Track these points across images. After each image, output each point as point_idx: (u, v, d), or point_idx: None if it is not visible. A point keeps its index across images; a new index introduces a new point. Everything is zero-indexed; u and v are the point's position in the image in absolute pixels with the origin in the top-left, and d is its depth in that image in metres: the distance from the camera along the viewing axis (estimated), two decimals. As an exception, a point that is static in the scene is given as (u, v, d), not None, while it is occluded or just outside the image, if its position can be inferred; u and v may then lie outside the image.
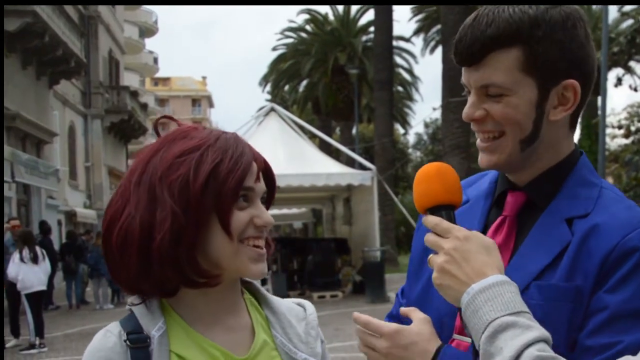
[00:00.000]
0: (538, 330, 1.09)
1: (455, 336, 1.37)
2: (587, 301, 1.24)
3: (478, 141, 1.37)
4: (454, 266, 1.17)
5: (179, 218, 1.20)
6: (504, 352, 1.07)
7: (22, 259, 11.01)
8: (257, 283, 1.41)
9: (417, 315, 1.34)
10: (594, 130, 24.53)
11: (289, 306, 1.42)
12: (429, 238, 1.23)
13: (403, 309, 1.38)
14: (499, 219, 1.38)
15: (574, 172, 1.36)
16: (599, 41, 16.57)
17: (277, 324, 1.35)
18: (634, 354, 1.14)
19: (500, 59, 1.28)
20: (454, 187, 1.27)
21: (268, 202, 1.34)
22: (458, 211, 1.37)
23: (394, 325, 1.31)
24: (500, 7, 1.29)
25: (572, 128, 1.39)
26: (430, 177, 1.26)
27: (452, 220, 1.25)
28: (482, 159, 1.36)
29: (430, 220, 1.24)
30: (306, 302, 1.45)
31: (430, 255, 1.23)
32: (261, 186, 1.29)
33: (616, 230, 1.25)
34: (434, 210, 1.25)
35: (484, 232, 1.38)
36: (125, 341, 1.21)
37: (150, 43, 61.84)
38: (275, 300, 1.40)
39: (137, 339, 1.22)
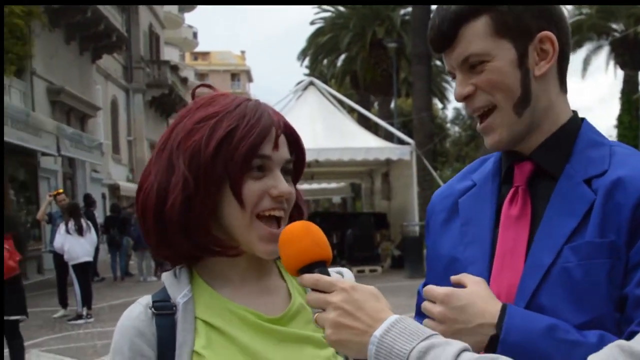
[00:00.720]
0: (457, 343, 1.05)
1: None
2: (625, 255, 1.24)
3: (477, 125, 1.38)
4: (349, 318, 1.10)
5: (189, 184, 1.18)
6: None
7: (67, 231, 11.21)
8: None
9: (469, 278, 1.30)
10: (635, 105, 24.08)
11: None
12: (311, 297, 1.13)
13: (454, 277, 1.32)
14: (511, 191, 1.38)
15: (580, 136, 1.37)
16: (639, 15, 16.07)
17: None
18: None
19: (471, 30, 1.32)
20: (323, 242, 1.18)
21: (297, 173, 1.30)
22: (467, 196, 1.45)
23: (447, 288, 1.27)
24: None
25: (563, 87, 1.40)
26: (298, 236, 1.16)
27: (327, 275, 1.16)
28: (487, 141, 1.37)
29: (308, 278, 1.13)
30: (345, 270, 1.42)
31: (316, 315, 1.13)
32: (280, 154, 1.23)
33: (637, 183, 1.26)
34: (307, 269, 1.15)
35: (499, 209, 1.39)
36: (150, 308, 1.21)
37: (189, 18, 62.18)
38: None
39: (163, 307, 1.22)
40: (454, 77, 1.38)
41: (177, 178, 1.19)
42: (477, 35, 1.32)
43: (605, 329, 1.22)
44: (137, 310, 1.22)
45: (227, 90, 1.35)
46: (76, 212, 11.57)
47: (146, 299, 1.25)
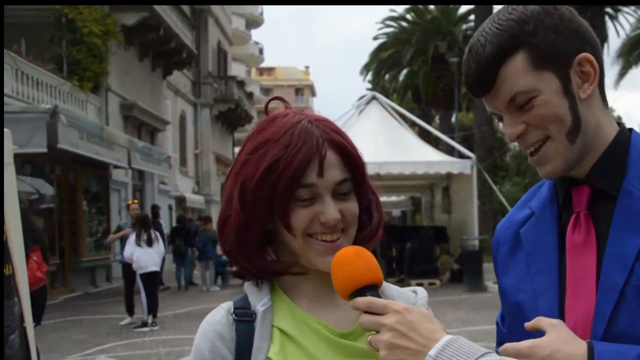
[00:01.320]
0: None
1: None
2: None
3: (529, 158, 1.35)
4: (403, 339, 1.11)
5: (240, 215, 1.24)
6: None
7: (137, 242, 11.46)
8: None
9: (546, 322, 1.25)
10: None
11: (401, 291, 1.38)
12: (365, 319, 1.14)
13: (528, 324, 1.28)
14: (572, 217, 1.34)
15: (632, 148, 1.34)
16: None
17: None
18: None
19: (511, 69, 1.29)
20: (375, 265, 1.20)
21: (357, 187, 1.28)
22: (530, 222, 1.42)
23: (528, 341, 1.22)
24: (485, 26, 1.32)
25: (605, 102, 1.37)
26: (352, 260, 1.18)
27: (379, 297, 1.17)
28: (542, 171, 1.34)
29: (361, 301, 1.15)
30: (419, 289, 1.41)
31: (369, 337, 1.15)
32: (328, 179, 1.21)
33: None
34: (359, 293, 1.17)
35: (561, 235, 1.36)
36: (231, 314, 1.26)
37: (256, 34, 63.13)
38: (386, 285, 1.33)
39: (243, 313, 1.26)
40: (500, 119, 1.35)
41: (232, 210, 1.26)
42: (518, 73, 1.28)
43: None
44: (219, 314, 1.27)
45: (291, 105, 1.35)
46: (146, 223, 11.84)
47: (228, 305, 1.29)
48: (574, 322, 1.28)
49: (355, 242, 1.27)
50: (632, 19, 31.27)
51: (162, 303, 12.73)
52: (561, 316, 1.31)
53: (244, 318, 1.25)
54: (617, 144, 1.34)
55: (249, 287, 1.31)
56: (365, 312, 1.15)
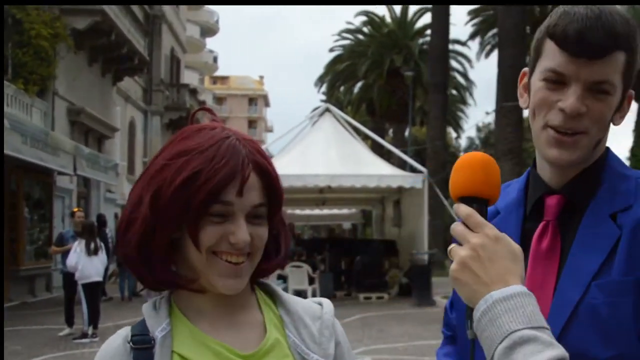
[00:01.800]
0: (559, 349, 1.04)
1: None
2: None
3: (554, 134, 1.34)
4: (477, 264, 1.11)
5: (148, 222, 1.19)
6: None
7: (84, 250, 11.25)
8: (272, 282, 1.37)
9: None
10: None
11: (306, 305, 1.35)
12: (457, 228, 1.15)
13: None
14: (541, 225, 1.36)
15: (607, 168, 1.38)
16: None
17: (290, 324, 1.29)
18: None
19: (617, 59, 1.31)
20: (495, 182, 1.20)
21: (272, 215, 1.25)
22: (493, 222, 1.41)
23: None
24: (605, 11, 1.32)
25: None
26: (475, 166, 1.19)
27: (483, 215, 1.17)
28: (556, 153, 1.34)
29: (463, 210, 1.16)
30: (324, 300, 1.37)
31: (453, 246, 1.16)
32: (245, 201, 1.18)
33: None
34: (467, 200, 1.18)
35: (523, 241, 1.36)
36: (129, 342, 1.21)
37: (210, 42, 62.81)
38: (291, 299, 1.33)
39: (141, 340, 1.21)
40: (554, 81, 1.34)
41: (140, 214, 1.20)
42: (617, 66, 1.32)
43: None
44: (116, 343, 1.23)
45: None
46: (92, 232, 11.65)
47: (125, 331, 1.25)
48: None
49: (258, 272, 1.26)
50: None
51: (103, 314, 12.51)
52: None
53: (141, 346, 1.20)
54: (598, 163, 1.39)
55: (147, 310, 1.26)
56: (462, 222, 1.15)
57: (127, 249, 1.22)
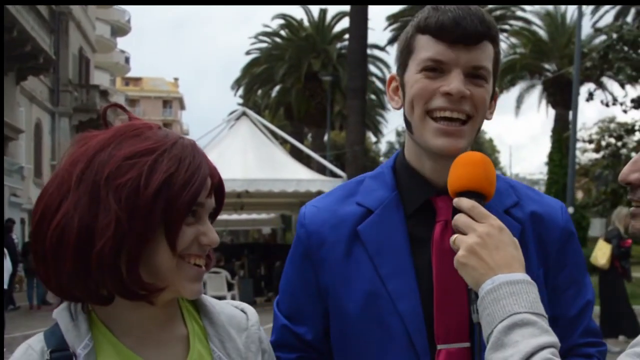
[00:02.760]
0: (553, 337, 1.12)
1: (441, 346, 1.38)
2: (545, 282, 1.43)
3: (439, 125, 1.38)
4: (485, 250, 1.18)
5: (123, 225, 1.10)
6: (519, 346, 1.09)
7: None
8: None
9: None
10: (565, 144, 24.77)
11: (230, 314, 1.32)
12: (461, 219, 1.22)
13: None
14: (439, 224, 1.41)
15: None
16: (572, 56, 16.66)
17: (215, 337, 1.27)
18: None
19: (489, 48, 1.40)
20: (493, 179, 1.28)
21: (213, 217, 1.27)
22: (369, 221, 1.46)
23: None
24: (473, 6, 1.40)
25: None
26: (476, 163, 1.27)
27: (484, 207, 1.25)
28: (444, 142, 1.38)
29: (466, 202, 1.23)
30: (248, 309, 1.36)
31: (457, 235, 1.22)
32: (211, 202, 1.22)
33: (555, 218, 1.48)
34: (467, 195, 1.25)
35: (411, 240, 1.43)
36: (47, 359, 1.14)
37: (122, 42, 61.27)
38: (215, 308, 1.31)
39: (61, 357, 1.14)
40: (433, 69, 1.38)
41: (109, 218, 1.11)
42: (489, 54, 1.41)
43: None
44: (31, 358, 1.15)
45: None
46: None
47: (39, 344, 1.17)
48: (445, 326, 1.37)
49: None
50: (504, 45, 32.93)
51: (11, 323, 12.10)
52: (427, 319, 1.38)
53: None
54: None
55: (63, 321, 1.17)
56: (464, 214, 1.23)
57: (91, 259, 1.11)
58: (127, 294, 1.15)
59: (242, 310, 1.35)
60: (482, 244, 1.18)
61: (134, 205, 1.11)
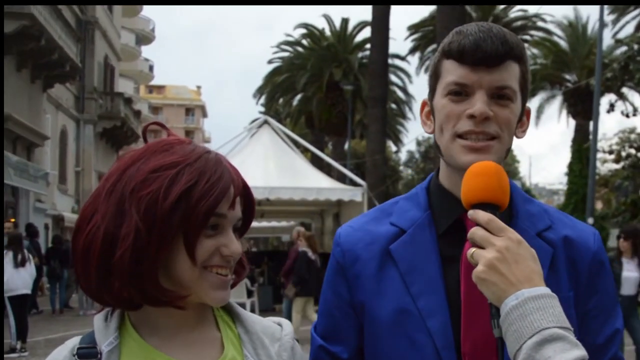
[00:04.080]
0: (583, 350, 1.11)
1: None
2: (575, 307, 1.42)
3: (467, 142, 1.39)
4: (504, 265, 1.16)
5: (141, 236, 1.14)
6: None
7: (13, 263, 10.88)
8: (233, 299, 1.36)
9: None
10: (585, 154, 24.63)
11: (265, 325, 1.35)
12: (478, 232, 1.21)
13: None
14: (468, 243, 1.36)
15: (514, 191, 1.47)
16: (593, 67, 16.64)
17: (249, 343, 1.30)
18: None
19: (513, 67, 1.41)
20: (507, 189, 1.27)
21: (243, 229, 1.29)
22: (401, 240, 1.48)
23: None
24: (494, 26, 1.42)
25: None
26: (490, 173, 1.26)
27: (500, 220, 1.23)
28: (474, 158, 1.37)
29: (483, 215, 1.22)
30: (285, 321, 1.38)
31: (475, 249, 1.21)
32: (235, 214, 1.23)
33: (588, 243, 1.48)
34: (481, 207, 1.24)
35: (443, 260, 1.44)
36: (74, 355, 1.20)
37: (146, 50, 61.91)
38: (250, 318, 1.34)
39: (87, 354, 1.19)
40: (457, 93, 1.41)
41: (129, 228, 1.15)
42: (514, 74, 1.41)
43: None
44: (62, 354, 1.21)
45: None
46: (19, 243, 11.29)
47: (73, 342, 1.23)
48: (472, 342, 1.37)
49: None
50: (528, 53, 32.73)
51: (33, 327, 12.15)
52: (455, 336, 1.38)
53: (86, 359, 1.19)
54: None
55: (97, 322, 1.24)
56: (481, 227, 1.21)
57: (112, 266, 1.16)
58: (149, 301, 1.19)
59: (278, 324, 1.38)
60: (501, 258, 1.17)
61: (153, 216, 1.15)
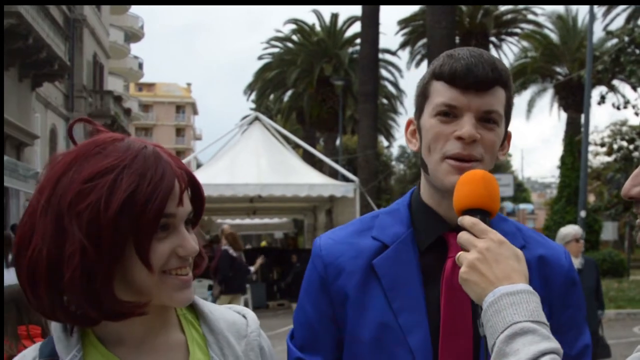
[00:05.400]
0: (555, 343, 1.14)
1: None
2: (555, 320, 1.46)
3: (452, 162, 1.44)
4: (485, 265, 1.21)
5: (89, 253, 1.07)
6: (520, 353, 1.11)
7: (6, 263, 10.82)
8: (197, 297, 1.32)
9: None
10: (577, 147, 24.70)
11: (230, 320, 1.31)
12: (463, 236, 1.26)
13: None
14: (450, 260, 1.45)
15: None
16: (584, 59, 16.64)
17: (214, 344, 1.26)
18: None
19: (500, 93, 1.47)
20: (495, 195, 1.32)
21: (195, 220, 1.24)
22: (384, 256, 1.51)
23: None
24: (484, 52, 1.48)
25: None
26: (477, 181, 1.31)
27: (487, 224, 1.29)
28: (457, 179, 1.40)
29: (468, 220, 1.27)
30: (249, 314, 1.35)
31: (461, 253, 1.26)
32: (185, 209, 1.17)
33: (560, 261, 1.55)
34: (471, 212, 1.29)
35: (424, 275, 1.48)
36: None
37: (135, 48, 61.60)
38: (214, 314, 1.29)
39: None
40: (446, 114, 1.45)
41: (74, 246, 1.08)
42: (500, 100, 1.47)
43: None
44: None
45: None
46: (9, 243, 11.15)
47: (34, 352, 1.17)
48: (451, 358, 1.41)
49: None
50: (515, 49, 32.78)
51: None
52: (435, 352, 1.42)
53: None
54: None
55: (56, 332, 1.17)
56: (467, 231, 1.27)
57: (63, 289, 1.10)
58: (108, 317, 1.14)
59: (243, 316, 1.34)
60: (481, 259, 1.22)
61: (97, 231, 1.08)
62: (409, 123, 1.59)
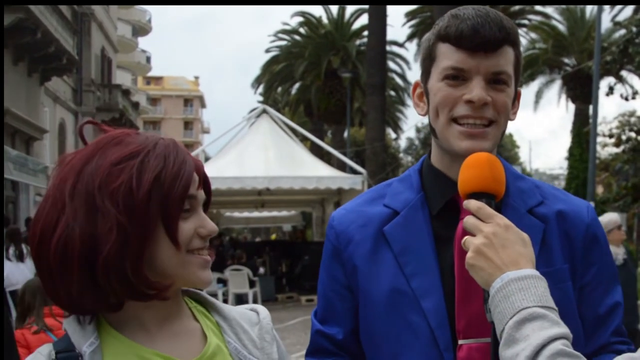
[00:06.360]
0: (564, 328, 1.13)
1: (462, 341, 1.40)
2: (573, 279, 1.45)
3: (463, 128, 1.41)
4: (491, 250, 1.19)
5: (125, 228, 1.12)
6: (530, 339, 1.11)
7: (8, 257, 10.90)
8: (203, 291, 1.35)
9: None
10: (585, 138, 24.62)
11: (241, 312, 1.35)
12: (469, 220, 1.25)
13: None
14: (462, 223, 1.39)
15: (505, 169, 1.44)
16: (592, 50, 16.58)
17: (229, 330, 1.29)
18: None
19: (509, 52, 1.42)
20: (500, 178, 1.30)
21: (206, 209, 1.28)
22: (395, 222, 1.49)
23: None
24: (490, 10, 1.41)
25: None
26: (482, 164, 1.29)
27: (492, 208, 1.27)
28: (471, 145, 1.40)
29: (473, 204, 1.25)
30: (259, 307, 1.39)
31: (467, 237, 1.25)
32: (202, 194, 1.24)
33: (581, 216, 1.50)
34: (476, 196, 1.27)
35: (435, 240, 1.46)
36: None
37: (143, 42, 61.69)
38: (225, 306, 1.34)
39: (67, 357, 1.14)
40: (455, 77, 1.41)
41: (109, 223, 1.12)
42: (509, 59, 1.43)
43: (579, 344, 1.36)
44: None
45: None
46: (16, 237, 11.17)
47: (47, 349, 1.17)
48: (466, 321, 1.38)
49: None
50: (524, 41, 32.66)
51: None
52: (450, 315, 1.40)
53: None
54: None
55: (69, 326, 1.19)
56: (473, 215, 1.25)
57: (98, 266, 1.12)
58: (136, 296, 1.16)
59: (253, 310, 1.37)
60: (488, 244, 1.20)
61: (131, 207, 1.12)
62: (416, 86, 1.55)
